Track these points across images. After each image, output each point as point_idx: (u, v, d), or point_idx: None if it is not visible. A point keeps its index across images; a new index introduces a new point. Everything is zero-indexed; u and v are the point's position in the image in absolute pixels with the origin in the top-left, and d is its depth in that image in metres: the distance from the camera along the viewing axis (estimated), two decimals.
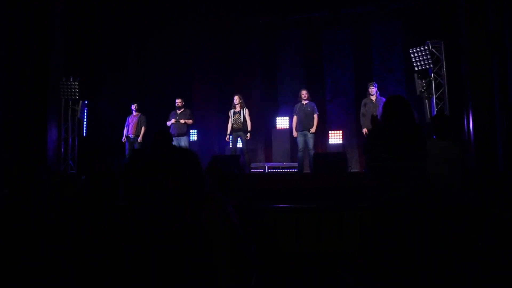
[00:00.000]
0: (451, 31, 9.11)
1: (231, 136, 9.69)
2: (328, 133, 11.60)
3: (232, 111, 9.69)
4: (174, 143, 9.17)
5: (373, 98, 9.11)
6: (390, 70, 12.08)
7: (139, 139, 9.96)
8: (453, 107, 8.86)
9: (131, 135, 9.95)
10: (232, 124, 9.60)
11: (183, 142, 9.69)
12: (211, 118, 12.20)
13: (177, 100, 9.92)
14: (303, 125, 9.27)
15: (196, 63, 12.59)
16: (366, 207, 6.60)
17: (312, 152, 9.26)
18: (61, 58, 10.00)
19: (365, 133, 8.94)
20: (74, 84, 9.95)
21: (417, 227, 3.87)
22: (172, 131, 9.68)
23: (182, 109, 9.87)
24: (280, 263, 6.03)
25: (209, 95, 12.45)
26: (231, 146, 9.79)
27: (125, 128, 10.10)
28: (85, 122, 10.64)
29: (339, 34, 12.39)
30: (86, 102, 10.54)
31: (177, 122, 9.75)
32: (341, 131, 11.60)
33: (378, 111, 8.91)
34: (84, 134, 10.59)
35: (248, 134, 9.54)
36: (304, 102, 9.46)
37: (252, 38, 12.55)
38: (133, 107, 10.15)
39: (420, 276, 3.91)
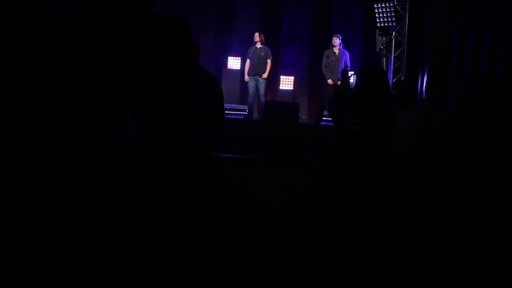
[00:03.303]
0: None
1: None
2: (280, 79, 11.37)
3: None
4: None
5: (336, 50, 8.93)
6: (348, 20, 11.83)
7: None
8: (410, 68, 8.85)
9: None
10: None
11: None
12: None
13: None
14: (255, 70, 9.02)
15: None
16: (315, 164, 6.55)
17: (263, 98, 9.08)
18: None
19: (330, 83, 8.84)
20: None
21: (376, 200, 3.84)
22: None
23: None
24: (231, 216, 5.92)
25: None
26: None
27: None
28: None
29: None
30: None
31: None
32: (293, 77, 11.39)
33: (340, 65, 8.77)
34: None
35: None
36: (258, 46, 9.14)
37: None
38: None
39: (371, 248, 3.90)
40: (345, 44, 11.57)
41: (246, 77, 9.21)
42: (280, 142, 7.91)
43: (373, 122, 3.86)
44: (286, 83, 11.32)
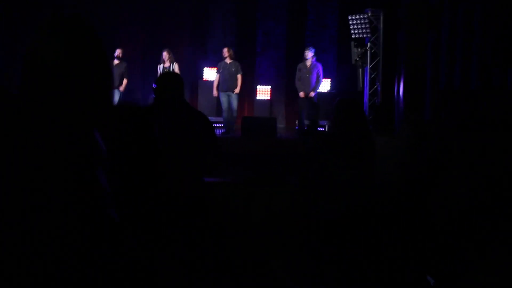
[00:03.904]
0: (391, 1, 8.98)
1: None
2: (256, 89, 11.33)
3: (161, 66, 9.21)
4: None
5: (308, 63, 8.90)
6: (324, 26, 11.84)
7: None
8: (386, 78, 8.88)
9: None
10: None
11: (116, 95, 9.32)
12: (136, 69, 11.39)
13: (118, 50, 9.35)
14: (228, 86, 8.94)
15: None
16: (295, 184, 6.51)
17: (235, 114, 9.05)
18: None
19: (302, 96, 8.92)
20: None
21: (357, 241, 3.81)
22: None
23: (119, 61, 9.37)
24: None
25: (134, 40, 11.60)
26: None
27: None
28: None
29: None
30: None
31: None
32: (269, 87, 11.36)
33: (311, 78, 8.77)
34: None
35: None
36: (228, 61, 9.06)
37: None
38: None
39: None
40: (321, 50, 11.59)
41: (215, 92, 9.16)
42: (259, 159, 7.86)
43: (350, 160, 3.82)
44: (263, 93, 11.28)
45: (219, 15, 11.88)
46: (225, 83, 8.93)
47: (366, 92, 9.13)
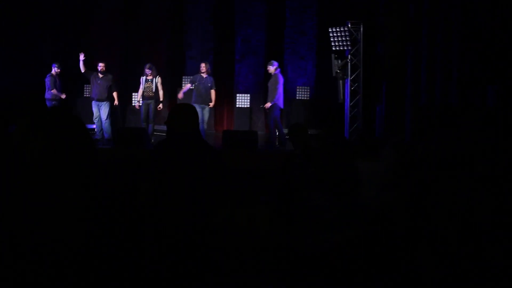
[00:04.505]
0: (370, 12, 8.99)
1: (141, 103, 9.42)
2: (236, 96, 11.28)
3: (143, 78, 9.36)
4: (94, 108, 9.26)
5: (272, 76, 9.00)
6: (302, 33, 11.80)
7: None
8: (367, 89, 8.91)
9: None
10: (143, 91, 9.34)
11: (104, 107, 9.34)
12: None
13: (100, 64, 9.31)
14: (203, 99, 9.14)
15: None
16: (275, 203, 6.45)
17: (205, 126, 9.15)
18: None
19: (266, 108, 9.09)
20: None
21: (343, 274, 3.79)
22: (94, 94, 9.37)
23: (104, 75, 9.38)
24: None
25: (112, 50, 11.42)
26: (142, 114, 9.48)
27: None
28: None
29: None
30: None
31: (98, 85, 9.27)
32: (249, 95, 11.32)
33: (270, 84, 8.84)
34: None
35: (160, 105, 9.26)
36: (204, 75, 9.19)
37: None
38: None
39: None
40: (299, 57, 11.59)
41: (180, 95, 9.38)
42: (239, 174, 7.77)
43: (335, 195, 3.81)
44: (242, 101, 11.25)
45: (197, 23, 11.78)
46: (200, 97, 9.16)
47: (347, 103, 9.15)
